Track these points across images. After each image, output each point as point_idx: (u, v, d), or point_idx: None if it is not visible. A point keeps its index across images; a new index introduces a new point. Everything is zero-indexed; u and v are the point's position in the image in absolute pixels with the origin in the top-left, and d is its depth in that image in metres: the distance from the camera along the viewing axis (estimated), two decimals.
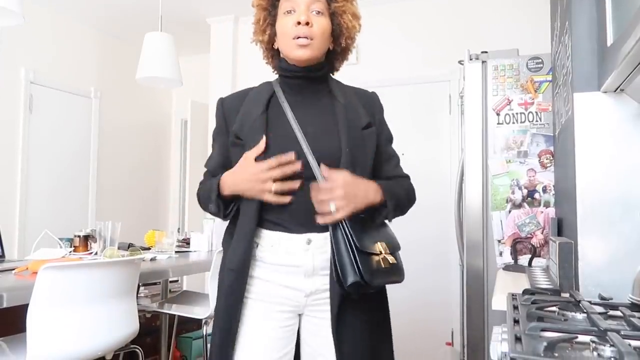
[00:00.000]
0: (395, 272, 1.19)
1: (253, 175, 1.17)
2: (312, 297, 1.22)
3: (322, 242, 1.21)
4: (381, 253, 1.17)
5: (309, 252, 1.21)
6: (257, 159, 1.19)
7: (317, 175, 1.18)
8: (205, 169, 1.38)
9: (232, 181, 1.22)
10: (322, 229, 1.20)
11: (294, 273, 1.21)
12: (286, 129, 1.23)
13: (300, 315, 1.26)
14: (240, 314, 1.22)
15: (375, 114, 1.34)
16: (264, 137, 1.20)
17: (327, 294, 1.21)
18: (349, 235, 1.13)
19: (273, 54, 1.33)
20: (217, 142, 1.35)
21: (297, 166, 1.16)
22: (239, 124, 1.27)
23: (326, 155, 1.20)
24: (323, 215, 1.15)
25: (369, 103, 1.34)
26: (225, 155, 1.31)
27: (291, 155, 1.16)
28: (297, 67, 1.26)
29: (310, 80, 1.29)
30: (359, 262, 1.11)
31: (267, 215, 1.23)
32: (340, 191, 1.13)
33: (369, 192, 1.19)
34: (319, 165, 1.18)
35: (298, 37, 1.22)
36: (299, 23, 1.21)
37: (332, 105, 1.28)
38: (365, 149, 1.26)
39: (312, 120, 1.25)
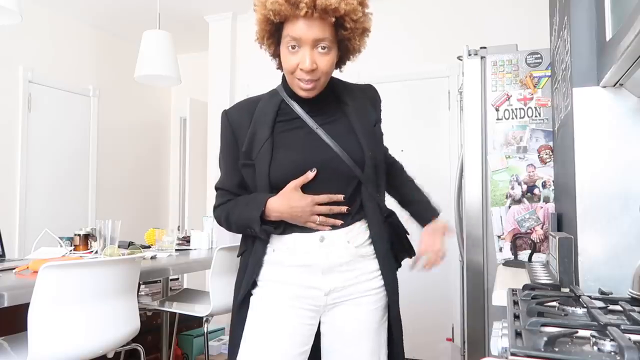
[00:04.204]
0: None
1: (301, 209, 1.19)
2: (332, 295, 1.24)
3: (335, 239, 1.23)
4: None
5: (322, 250, 1.22)
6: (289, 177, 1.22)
7: (355, 172, 1.24)
8: (219, 189, 1.34)
9: (277, 210, 1.20)
10: (335, 226, 1.24)
11: (309, 272, 1.23)
12: (307, 137, 1.24)
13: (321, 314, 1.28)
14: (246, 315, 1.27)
15: (377, 107, 1.37)
16: (314, 170, 1.21)
17: (348, 290, 1.25)
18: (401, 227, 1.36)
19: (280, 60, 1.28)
20: (229, 158, 1.31)
21: (343, 208, 1.23)
22: (249, 144, 1.24)
23: (352, 155, 1.24)
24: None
25: (373, 98, 1.37)
26: (240, 171, 1.28)
27: (340, 197, 1.23)
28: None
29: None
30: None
31: (279, 223, 1.24)
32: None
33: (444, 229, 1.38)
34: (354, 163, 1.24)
35: (301, 80, 1.18)
36: (302, 69, 1.16)
37: (342, 110, 1.29)
38: (379, 145, 1.33)
39: (330, 126, 1.26)
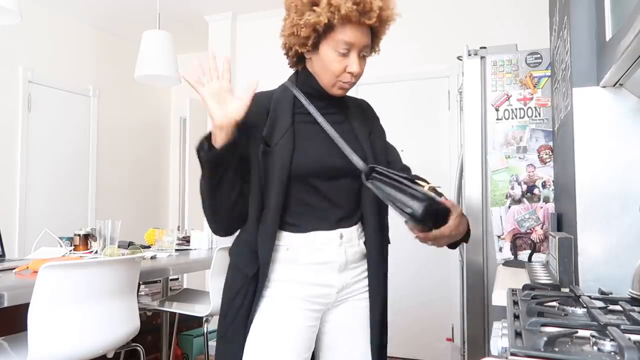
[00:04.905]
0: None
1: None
2: (342, 292, 1.27)
3: (351, 235, 1.27)
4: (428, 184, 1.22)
5: (342, 247, 1.25)
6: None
7: (363, 171, 1.24)
8: None
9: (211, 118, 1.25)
10: (351, 223, 1.27)
11: (327, 270, 1.23)
12: (319, 133, 1.25)
13: (323, 314, 1.28)
14: (252, 319, 1.21)
15: (374, 123, 1.41)
16: (254, 85, 1.18)
17: (354, 287, 1.28)
18: (390, 174, 1.18)
19: (299, 58, 1.28)
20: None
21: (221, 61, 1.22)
22: (269, 129, 1.23)
23: (357, 155, 1.26)
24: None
25: (369, 114, 1.41)
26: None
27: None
28: (326, 92, 1.26)
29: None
30: (414, 188, 1.17)
31: (298, 220, 1.23)
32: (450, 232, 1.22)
33: (463, 227, 1.27)
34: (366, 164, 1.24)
35: (346, 82, 1.22)
36: (350, 73, 1.20)
37: (345, 113, 1.33)
38: (377, 154, 1.33)
39: (338, 126, 1.28)
